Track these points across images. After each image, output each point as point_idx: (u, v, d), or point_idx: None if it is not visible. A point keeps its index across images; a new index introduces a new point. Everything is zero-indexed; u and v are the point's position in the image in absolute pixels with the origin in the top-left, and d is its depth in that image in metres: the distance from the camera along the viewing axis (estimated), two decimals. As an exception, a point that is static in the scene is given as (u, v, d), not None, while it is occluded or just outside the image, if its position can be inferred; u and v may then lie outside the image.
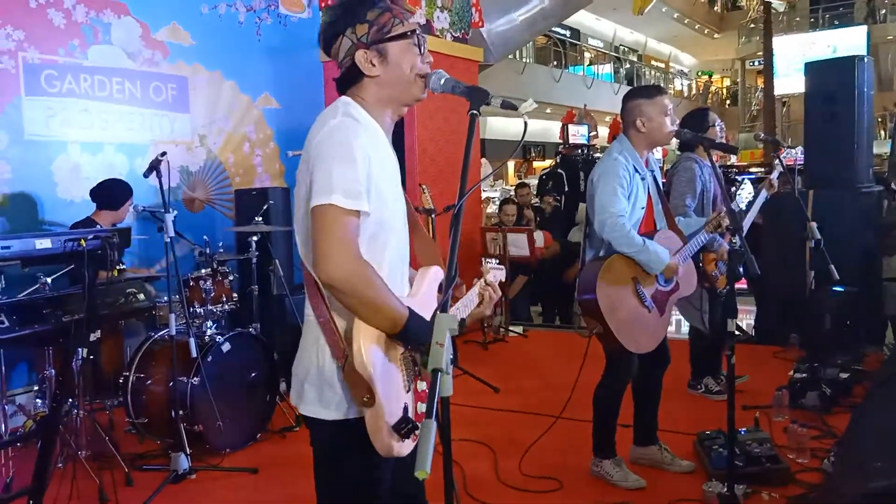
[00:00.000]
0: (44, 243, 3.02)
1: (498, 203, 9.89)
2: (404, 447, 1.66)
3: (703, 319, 4.20)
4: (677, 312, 4.84)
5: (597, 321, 2.96)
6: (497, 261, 2.08)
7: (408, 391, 1.71)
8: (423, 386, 1.74)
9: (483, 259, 2.06)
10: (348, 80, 1.76)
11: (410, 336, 1.63)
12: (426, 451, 1.19)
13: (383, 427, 1.60)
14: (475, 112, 1.61)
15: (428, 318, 1.68)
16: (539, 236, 7.02)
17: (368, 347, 1.60)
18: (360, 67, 1.71)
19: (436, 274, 1.87)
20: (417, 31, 1.72)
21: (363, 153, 1.61)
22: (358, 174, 1.60)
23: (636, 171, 3.08)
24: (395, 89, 1.73)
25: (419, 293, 1.80)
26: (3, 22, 4.36)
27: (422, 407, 1.71)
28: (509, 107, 1.72)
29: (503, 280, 2.05)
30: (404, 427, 1.62)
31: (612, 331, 2.94)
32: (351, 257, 1.58)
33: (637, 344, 3.03)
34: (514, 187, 9.08)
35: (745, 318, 6.57)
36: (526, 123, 1.77)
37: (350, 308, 1.61)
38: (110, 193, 4.28)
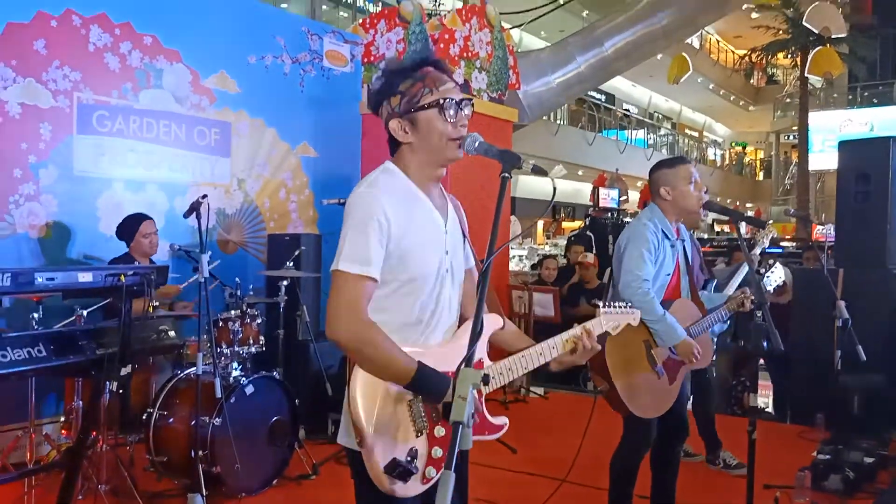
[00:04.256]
0: (86, 277, 3.11)
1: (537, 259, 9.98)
2: (409, 488, 1.74)
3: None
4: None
5: (604, 380, 2.96)
6: (624, 305, 2.13)
7: (419, 435, 1.78)
8: (441, 431, 1.80)
9: (602, 302, 2.11)
10: (392, 146, 1.91)
11: (419, 389, 1.75)
12: (444, 502, 1.25)
13: (374, 467, 1.72)
14: (506, 175, 1.68)
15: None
16: (590, 256, 7.27)
17: (363, 392, 1.73)
18: (394, 135, 1.86)
19: (489, 321, 1.94)
20: (447, 99, 1.81)
21: (381, 220, 1.75)
22: (367, 242, 1.74)
23: (665, 237, 3.12)
24: (427, 153, 1.85)
25: (456, 342, 1.89)
26: (62, 63, 4.58)
27: (438, 452, 1.79)
28: (539, 172, 1.83)
29: (617, 327, 2.10)
30: (395, 470, 1.71)
31: (618, 391, 2.93)
32: (354, 320, 1.73)
33: (642, 408, 3.00)
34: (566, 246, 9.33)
35: (765, 395, 6.47)
36: (555, 189, 1.83)
37: (358, 364, 1.76)
38: (120, 231, 4.44)
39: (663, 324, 2.97)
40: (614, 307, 2.13)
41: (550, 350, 1.96)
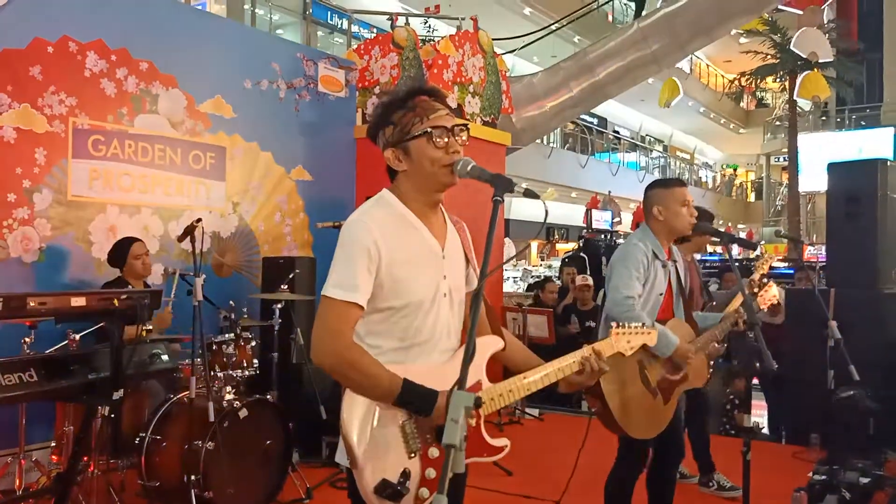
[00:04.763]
0: (79, 301, 3.11)
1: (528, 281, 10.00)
2: None
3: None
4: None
5: (598, 400, 2.96)
6: (639, 324, 2.14)
7: (412, 457, 1.79)
8: (435, 453, 1.81)
9: (617, 322, 2.14)
10: (391, 174, 1.96)
11: (406, 405, 1.78)
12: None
13: (365, 488, 1.74)
14: (499, 199, 1.71)
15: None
16: (587, 279, 7.35)
17: (355, 413, 1.77)
18: (390, 164, 1.92)
19: (487, 343, 1.99)
20: (436, 128, 1.86)
21: (369, 248, 1.80)
22: (355, 269, 1.79)
23: (656, 257, 3.14)
24: (422, 180, 1.90)
25: (455, 363, 1.91)
26: (58, 89, 4.61)
27: (432, 473, 1.80)
28: (532, 195, 1.85)
29: (632, 348, 2.12)
30: (385, 491, 1.72)
31: (612, 412, 2.93)
32: (336, 344, 1.78)
33: (637, 429, 3.00)
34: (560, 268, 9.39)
35: (759, 414, 6.48)
36: (547, 212, 1.85)
37: (344, 386, 1.80)
38: (111, 256, 4.47)
39: None
40: (629, 327, 2.14)
41: (556, 373, 1.98)
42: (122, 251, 4.42)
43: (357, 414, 1.76)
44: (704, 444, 4.47)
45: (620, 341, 2.11)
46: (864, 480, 3.98)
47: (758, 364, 2.70)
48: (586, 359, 1.99)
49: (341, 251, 1.83)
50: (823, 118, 24.74)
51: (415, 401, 1.77)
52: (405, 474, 1.75)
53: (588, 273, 8.88)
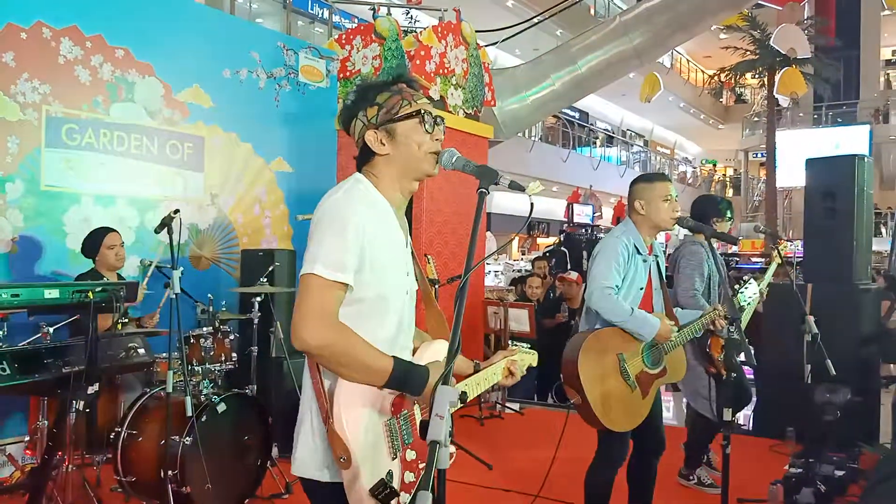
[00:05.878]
0: (52, 293, 3.05)
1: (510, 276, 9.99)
2: None
3: (712, 408, 4.18)
4: (668, 398, 4.81)
5: (577, 393, 2.96)
6: (529, 346, 2.18)
7: (394, 458, 1.74)
8: (412, 455, 1.77)
9: (512, 341, 2.19)
10: (363, 158, 1.88)
11: (398, 384, 1.71)
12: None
13: (359, 489, 1.66)
14: (484, 190, 1.69)
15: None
16: (573, 274, 7.33)
17: (348, 409, 1.68)
18: (371, 146, 1.84)
19: (440, 348, 1.94)
20: (425, 111, 1.83)
21: (357, 227, 1.71)
22: (345, 248, 1.69)
23: (637, 251, 3.15)
24: (404, 165, 1.84)
25: (420, 362, 1.85)
26: (31, 76, 4.51)
27: (409, 476, 1.76)
28: (517, 188, 1.82)
29: (521, 368, 2.13)
30: (381, 491, 1.66)
31: (591, 404, 2.94)
32: (325, 325, 1.67)
33: (615, 422, 3.02)
34: (532, 260, 9.36)
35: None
36: (532, 204, 1.83)
37: (331, 371, 1.71)
38: (85, 247, 4.37)
39: (634, 321, 3.00)
40: (518, 347, 2.15)
41: (485, 382, 1.99)
42: (95, 241, 4.33)
43: (351, 407, 1.68)
44: (709, 439, 4.45)
45: (520, 358, 2.13)
46: (840, 473, 4.04)
47: (739, 359, 2.71)
48: (513, 364, 2.05)
49: (325, 228, 1.72)
50: (801, 115, 24.98)
51: (407, 380, 1.71)
52: (390, 475, 1.71)
53: (570, 267, 8.92)
